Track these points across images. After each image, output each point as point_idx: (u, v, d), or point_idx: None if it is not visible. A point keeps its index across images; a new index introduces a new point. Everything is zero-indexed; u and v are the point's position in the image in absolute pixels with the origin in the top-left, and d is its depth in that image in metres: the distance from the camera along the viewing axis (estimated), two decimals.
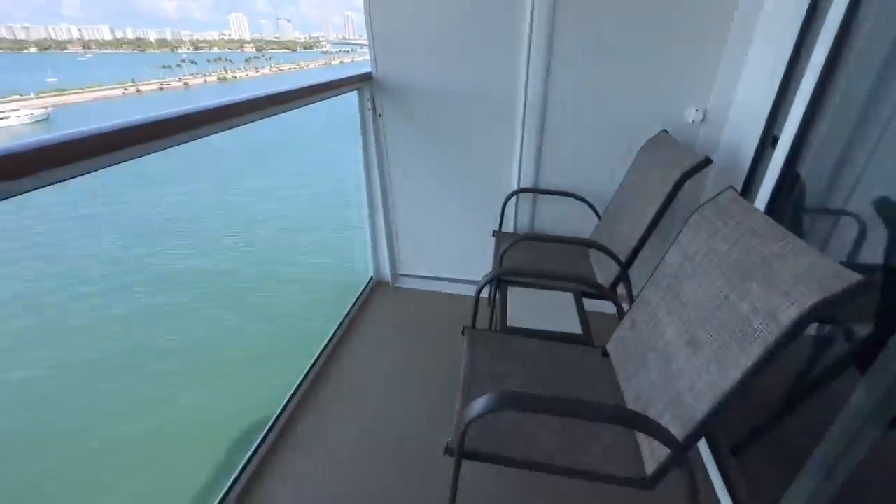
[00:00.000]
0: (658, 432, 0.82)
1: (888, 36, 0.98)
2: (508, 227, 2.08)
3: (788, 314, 0.70)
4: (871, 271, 0.97)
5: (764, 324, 0.74)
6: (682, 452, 0.83)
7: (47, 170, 0.64)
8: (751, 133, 1.41)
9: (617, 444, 0.99)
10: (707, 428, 0.81)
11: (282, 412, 1.52)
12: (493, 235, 1.97)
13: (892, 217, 0.96)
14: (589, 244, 1.52)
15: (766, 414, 1.30)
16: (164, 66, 73.71)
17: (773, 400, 1.26)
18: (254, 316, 7.96)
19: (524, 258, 1.76)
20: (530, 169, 1.93)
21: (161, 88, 63.69)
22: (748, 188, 1.43)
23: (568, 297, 1.52)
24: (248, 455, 1.36)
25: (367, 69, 1.87)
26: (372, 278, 2.35)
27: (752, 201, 1.33)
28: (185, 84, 70.65)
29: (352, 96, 1.89)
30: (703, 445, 1.42)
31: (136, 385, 6.52)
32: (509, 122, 1.87)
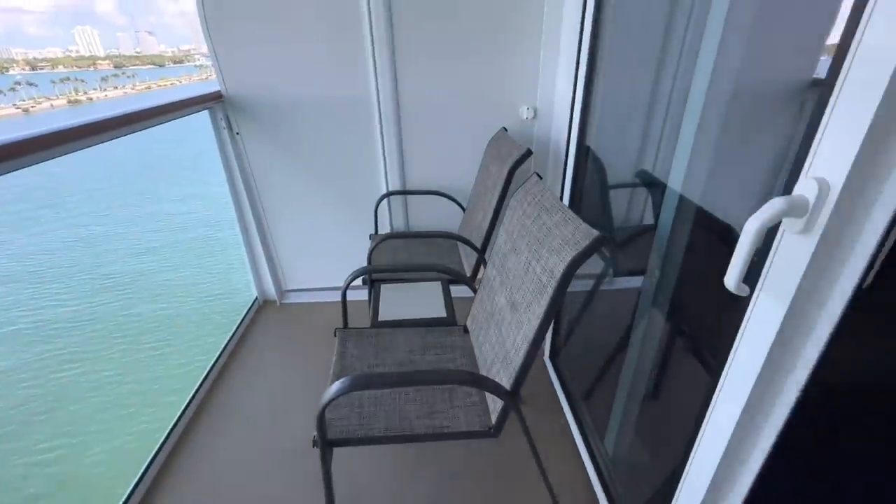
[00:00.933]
0: (487, 384, 0.97)
1: (623, 37, 1.26)
2: (384, 229, 2.18)
3: (559, 268, 0.89)
4: (641, 227, 1.24)
5: (548, 279, 0.92)
6: (510, 398, 0.99)
7: None
8: (563, 124, 1.68)
9: (470, 405, 1.13)
10: (525, 371, 0.98)
11: (155, 457, 1.44)
12: (370, 239, 2.05)
13: (650, 184, 1.23)
14: (447, 236, 1.67)
15: (601, 361, 1.56)
16: None
17: (606, 348, 1.52)
18: (125, 366, 7.08)
19: (394, 256, 1.87)
20: (396, 171, 2.05)
21: None
22: (565, 171, 1.69)
23: (435, 287, 1.67)
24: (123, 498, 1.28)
25: None
26: (256, 299, 2.29)
27: (564, 181, 1.59)
28: (25, 111, 60.16)
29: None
30: (561, 396, 1.65)
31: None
32: (368, 128, 1.97)
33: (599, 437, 1.36)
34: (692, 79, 0.95)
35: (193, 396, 1.67)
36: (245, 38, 1.77)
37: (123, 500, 1.29)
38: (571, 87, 1.53)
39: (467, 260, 1.84)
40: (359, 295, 2.33)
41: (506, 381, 1.02)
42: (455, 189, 2.09)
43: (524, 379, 1.00)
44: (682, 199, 0.98)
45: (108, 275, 10.23)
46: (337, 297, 2.33)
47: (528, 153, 1.52)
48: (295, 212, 2.15)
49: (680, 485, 0.84)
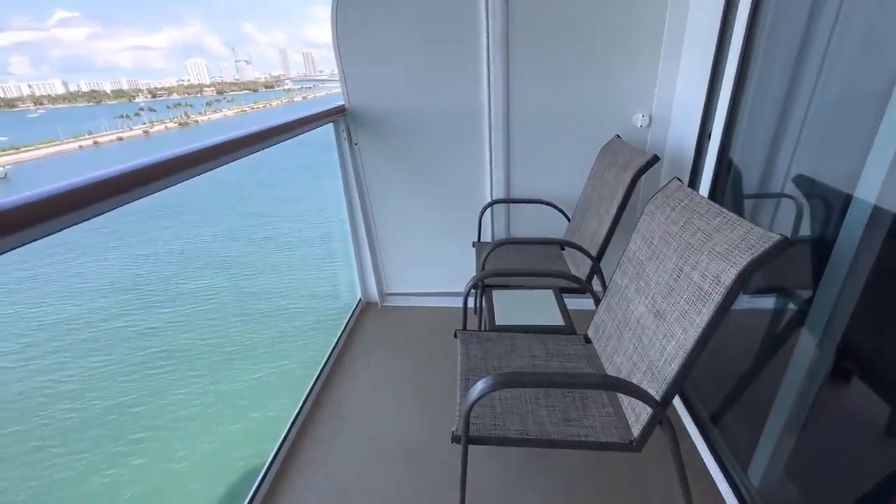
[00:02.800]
0: (637, 392, 0.94)
1: (785, 40, 1.17)
2: (486, 237, 2.21)
3: (729, 274, 0.84)
4: (799, 241, 1.13)
5: (712, 286, 0.87)
6: (661, 409, 0.94)
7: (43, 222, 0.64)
8: (689, 130, 1.60)
9: (605, 416, 1.09)
10: (678, 385, 0.93)
11: (282, 443, 1.54)
12: (473, 246, 2.08)
13: (810, 193, 1.13)
14: (562, 243, 1.65)
15: (735, 382, 1.43)
16: (121, 116, 72.37)
17: (740, 370, 1.40)
18: (255, 359, 7.85)
19: (505, 263, 1.88)
20: (501, 181, 2.07)
21: (120, 139, 62.55)
22: (694, 178, 1.60)
23: (549, 295, 1.64)
24: (253, 486, 1.38)
25: (335, 102, 2.00)
26: (360, 300, 2.42)
27: (697, 189, 1.50)
28: (146, 132, 69.67)
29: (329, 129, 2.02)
30: (686, 417, 1.54)
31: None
32: (477, 139, 2.02)
33: (741, 467, 1.24)
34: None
35: (308, 394, 1.77)
36: (369, 56, 1.91)
37: (249, 497, 1.37)
38: (704, 91, 1.46)
39: (574, 268, 1.80)
40: (454, 301, 2.37)
41: (653, 392, 0.97)
42: (559, 198, 2.06)
43: (676, 391, 0.95)
44: (876, 209, 0.88)
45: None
46: (434, 302, 2.40)
47: (655, 159, 1.47)
48: (401, 218, 2.25)
49: None
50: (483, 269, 1.63)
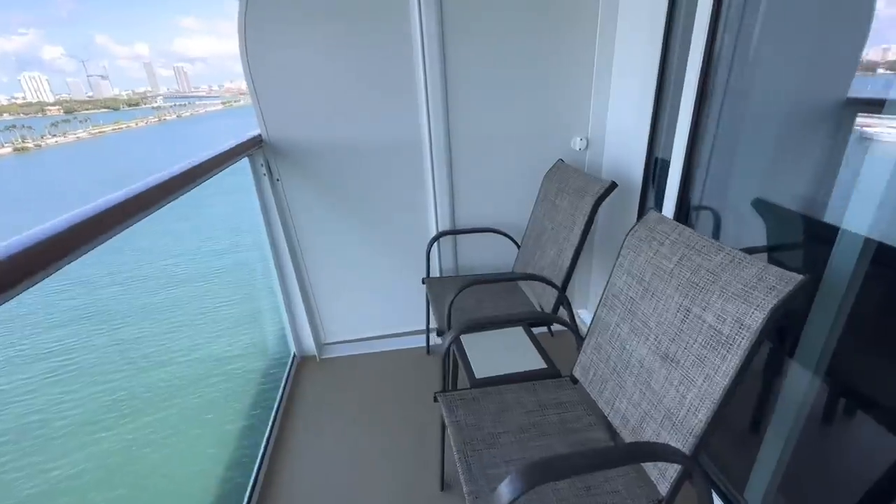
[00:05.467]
0: (669, 454, 0.86)
1: (737, 75, 1.23)
2: (434, 271, 2.06)
3: (755, 318, 0.80)
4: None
5: (735, 330, 0.83)
6: (694, 464, 0.87)
7: None
8: (635, 156, 1.63)
9: (625, 475, 1.01)
10: (708, 436, 0.87)
11: None
12: (423, 283, 1.92)
13: (769, 215, 1.18)
14: (531, 278, 1.56)
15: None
16: None
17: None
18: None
19: (468, 304, 1.74)
20: (446, 211, 1.95)
21: None
22: (643, 204, 1.63)
23: (519, 332, 1.54)
24: None
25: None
26: (294, 356, 2.09)
27: (641, 210, 1.53)
28: None
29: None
30: None
31: None
32: (418, 169, 1.87)
33: (739, 492, 1.25)
34: None
35: (257, 475, 1.45)
36: (290, 81, 1.66)
37: None
38: (648, 115, 1.50)
39: (538, 298, 1.73)
40: (403, 343, 2.17)
41: (680, 445, 0.90)
42: (505, 225, 2.00)
43: (705, 443, 0.89)
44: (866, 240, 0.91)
45: None
46: (380, 346, 2.17)
47: (613, 185, 1.46)
48: (335, 259, 2.00)
49: None
50: (449, 312, 1.47)
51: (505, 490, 0.75)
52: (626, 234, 1.18)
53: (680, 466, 0.89)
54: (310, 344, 2.08)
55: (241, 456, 1.65)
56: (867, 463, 1.05)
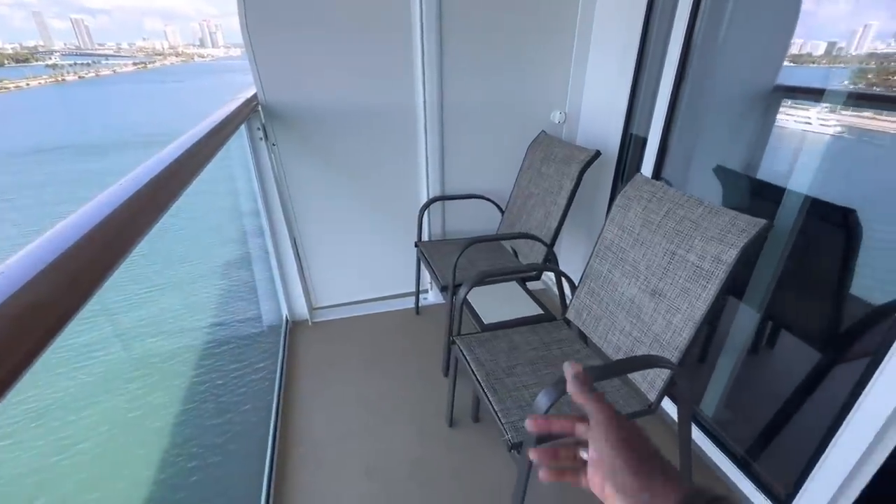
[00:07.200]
0: (664, 362, 1.08)
1: (711, 57, 1.45)
2: (424, 235, 2.17)
3: (729, 255, 1.02)
4: None
5: (713, 265, 1.06)
6: (679, 370, 1.10)
7: None
8: (612, 130, 1.84)
9: (618, 389, 1.23)
10: (690, 349, 1.11)
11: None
12: (416, 246, 2.03)
13: (726, 179, 1.44)
14: (524, 236, 1.74)
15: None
16: None
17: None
18: None
19: (463, 262, 1.89)
20: (437, 178, 2.06)
21: None
22: (619, 173, 1.86)
23: (514, 286, 1.73)
24: None
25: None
26: (287, 320, 2.13)
27: (619, 177, 1.75)
28: None
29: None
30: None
31: None
32: (411, 136, 1.95)
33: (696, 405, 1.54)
34: None
35: (273, 446, 1.52)
36: (288, 44, 1.66)
37: None
38: (627, 92, 1.70)
39: (525, 257, 1.92)
40: (393, 305, 2.28)
41: (670, 357, 1.13)
42: (490, 192, 2.15)
43: (689, 354, 1.12)
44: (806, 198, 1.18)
45: None
46: (368, 309, 2.27)
47: (598, 154, 1.65)
48: (328, 224, 2.05)
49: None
50: (455, 271, 1.61)
51: (542, 399, 0.93)
52: (617, 195, 1.38)
53: (667, 374, 1.12)
54: (302, 308, 2.14)
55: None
56: (788, 375, 1.37)
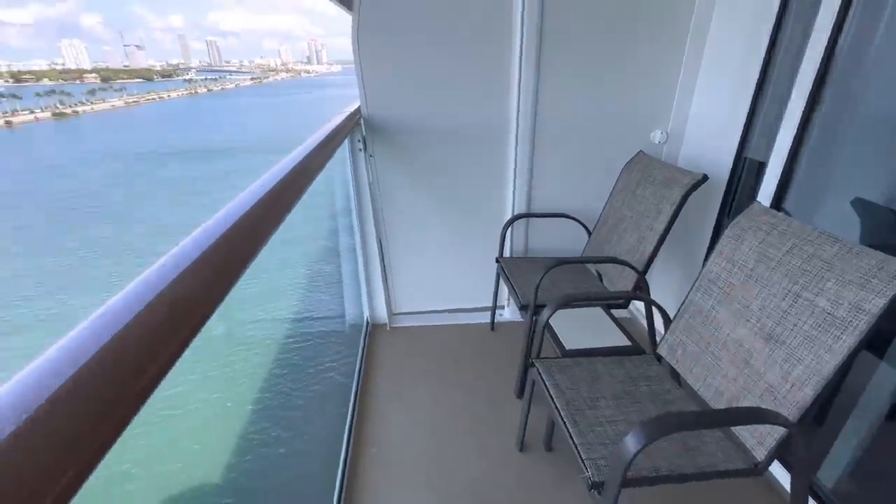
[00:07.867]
0: (780, 419, 0.95)
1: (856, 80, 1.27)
2: (505, 252, 2.16)
3: (875, 304, 0.87)
4: None
5: (851, 314, 0.91)
6: (797, 430, 0.96)
7: None
8: (722, 153, 1.68)
9: (719, 442, 1.10)
10: (814, 408, 0.96)
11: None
12: (497, 262, 2.02)
13: (867, 214, 1.24)
14: (614, 261, 1.65)
15: None
16: None
17: None
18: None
19: (546, 284, 1.84)
20: (523, 194, 2.04)
21: None
22: (729, 200, 1.69)
23: (599, 312, 1.64)
24: None
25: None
26: (368, 322, 2.23)
27: (728, 206, 1.59)
28: (7, 123, 59.03)
29: None
30: None
31: None
32: (501, 153, 1.96)
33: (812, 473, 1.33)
34: None
35: (347, 442, 1.58)
36: (392, 59, 1.76)
37: None
38: (745, 112, 1.55)
39: (612, 283, 1.81)
40: (469, 319, 2.28)
41: (786, 414, 0.99)
42: (576, 212, 2.07)
43: (812, 413, 0.98)
44: None
45: None
46: (445, 320, 2.29)
47: (705, 178, 1.52)
48: (413, 234, 2.11)
49: None
50: (537, 289, 1.57)
51: (631, 441, 0.86)
52: (729, 225, 1.25)
53: (780, 433, 0.98)
54: (382, 312, 2.22)
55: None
56: None
